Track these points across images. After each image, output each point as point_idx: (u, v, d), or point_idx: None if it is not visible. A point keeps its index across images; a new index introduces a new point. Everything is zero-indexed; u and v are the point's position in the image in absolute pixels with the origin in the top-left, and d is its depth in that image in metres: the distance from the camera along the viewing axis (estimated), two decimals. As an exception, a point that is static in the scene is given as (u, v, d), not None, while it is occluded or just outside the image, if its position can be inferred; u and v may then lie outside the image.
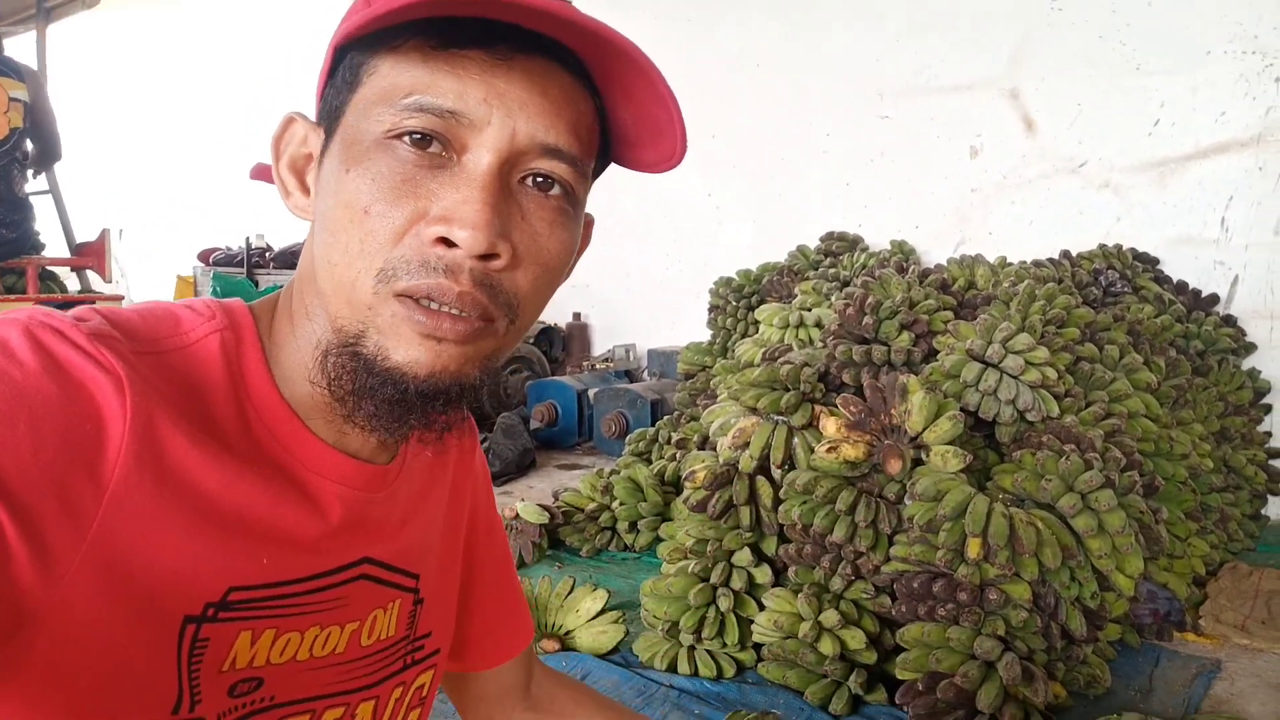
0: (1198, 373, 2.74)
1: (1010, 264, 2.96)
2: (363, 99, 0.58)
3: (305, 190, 0.64)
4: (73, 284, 4.66)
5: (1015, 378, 1.93)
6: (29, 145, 3.95)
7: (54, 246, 4.38)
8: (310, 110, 0.67)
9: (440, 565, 0.78)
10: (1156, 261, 3.33)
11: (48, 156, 4.18)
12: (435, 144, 0.57)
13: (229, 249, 6.04)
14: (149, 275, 7.87)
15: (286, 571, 0.60)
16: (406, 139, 0.56)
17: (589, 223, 0.72)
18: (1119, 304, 2.86)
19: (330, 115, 0.61)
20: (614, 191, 5.09)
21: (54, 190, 4.49)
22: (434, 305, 0.56)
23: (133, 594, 0.52)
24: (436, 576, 0.77)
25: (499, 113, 0.56)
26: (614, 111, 0.64)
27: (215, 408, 0.58)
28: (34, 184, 4.24)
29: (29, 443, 0.47)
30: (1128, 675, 1.83)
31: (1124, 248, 3.29)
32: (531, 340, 4.93)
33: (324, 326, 0.60)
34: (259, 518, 0.58)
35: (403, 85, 0.56)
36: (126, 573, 0.51)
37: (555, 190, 0.61)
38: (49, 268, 4.29)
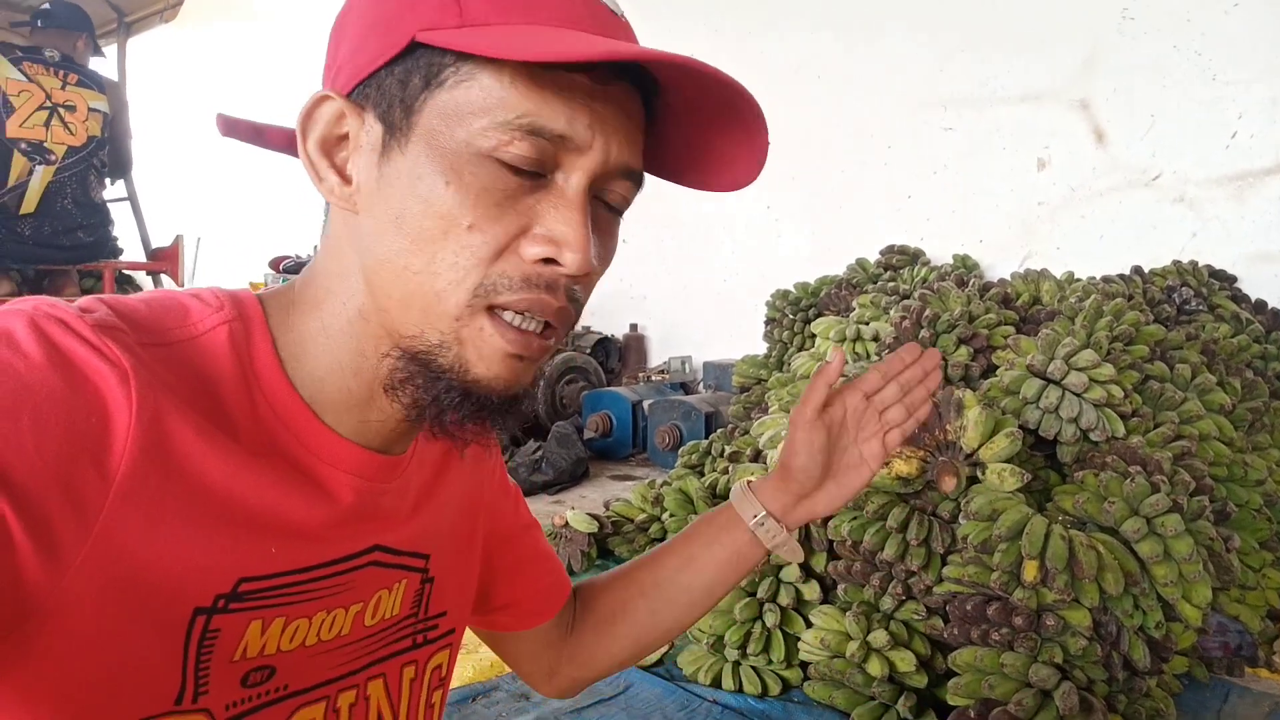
0: (1276, 395, 2.61)
1: (1078, 279, 2.87)
2: (453, 104, 0.57)
3: (344, 177, 0.62)
4: (148, 287, 4.82)
5: (1078, 395, 1.87)
6: (105, 154, 4.11)
7: (131, 251, 4.54)
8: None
9: (455, 546, 0.78)
10: (1234, 279, 3.20)
11: (119, 167, 4.33)
12: (537, 164, 0.57)
13: (298, 257, 6.21)
14: (224, 281, 8.12)
15: (295, 561, 0.60)
16: (515, 158, 0.56)
17: None
18: (1193, 322, 2.76)
19: (392, 104, 0.58)
20: (672, 202, 5.11)
21: (132, 197, 4.65)
22: (526, 323, 0.58)
23: (139, 587, 0.51)
24: (450, 557, 0.76)
25: (600, 138, 0.58)
26: (666, 132, 0.66)
27: (224, 399, 0.58)
28: (112, 190, 4.40)
29: (33, 436, 0.47)
30: (1194, 710, 1.75)
31: (1199, 264, 3.17)
32: (588, 351, 4.94)
33: (378, 327, 0.60)
34: (268, 509, 0.58)
35: (511, 104, 0.56)
36: (133, 566, 0.51)
37: (619, 203, 0.63)
38: (125, 271, 4.44)
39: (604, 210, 0.63)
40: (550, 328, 0.61)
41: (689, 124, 0.64)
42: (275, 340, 0.62)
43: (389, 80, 0.59)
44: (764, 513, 0.91)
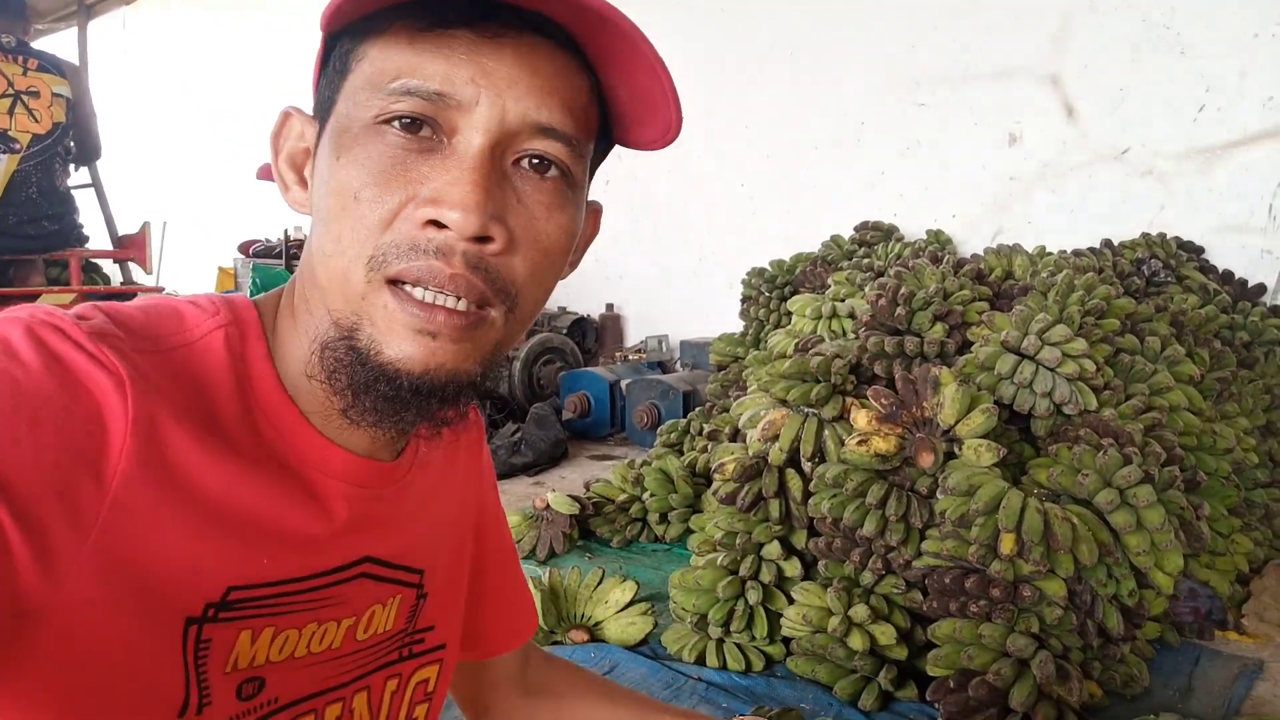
0: (1243, 365, 2.66)
1: (1050, 254, 2.90)
2: (352, 86, 0.58)
3: (303, 184, 0.64)
4: (115, 276, 4.74)
5: (1051, 370, 1.89)
6: (71, 141, 4.02)
7: (97, 239, 4.45)
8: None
9: (448, 561, 0.78)
10: (1201, 250, 3.25)
11: (88, 153, 4.24)
12: (425, 128, 0.56)
13: (268, 241, 6.13)
14: (191, 267, 8.01)
15: (287, 571, 0.60)
16: (395, 124, 0.55)
17: (596, 210, 0.70)
18: (1162, 294, 2.79)
19: (323, 106, 0.61)
20: (647, 182, 5.10)
21: (96, 184, 4.56)
22: (427, 294, 0.55)
23: (135, 595, 0.51)
24: (444, 572, 0.76)
25: (487, 92, 0.55)
26: (610, 89, 0.62)
27: (219, 405, 0.57)
28: (76, 178, 4.31)
29: (31, 444, 0.47)
30: (1166, 674, 1.79)
31: (1168, 236, 3.22)
32: (564, 331, 4.94)
33: (323, 319, 0.59)
34: (262, 517, 0.58)
35: (389, 69, 0.56)
36: (129, 574, 0.51)
37: (552, 172, 0.59)
38: (92, 260, 4.36)
39: (530, 175, 0.59)
40: (479, 308, 0.57)
41: (613, 72, 0.61)
42: (269, 344, 0.62)
43: (323, 84, 0.61)
44: None
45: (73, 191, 4.14)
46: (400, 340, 0.56)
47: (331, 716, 0.66)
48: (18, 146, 3.72)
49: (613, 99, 0.63)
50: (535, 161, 0.58)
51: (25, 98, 3.75)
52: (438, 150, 0.56)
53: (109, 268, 4.74)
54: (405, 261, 0.54)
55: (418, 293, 0.55)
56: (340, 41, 0.59)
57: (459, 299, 0.56)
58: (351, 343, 0.57)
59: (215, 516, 0.55)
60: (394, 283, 0.55)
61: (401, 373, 0.56)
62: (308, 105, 0.66)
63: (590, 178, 0.67)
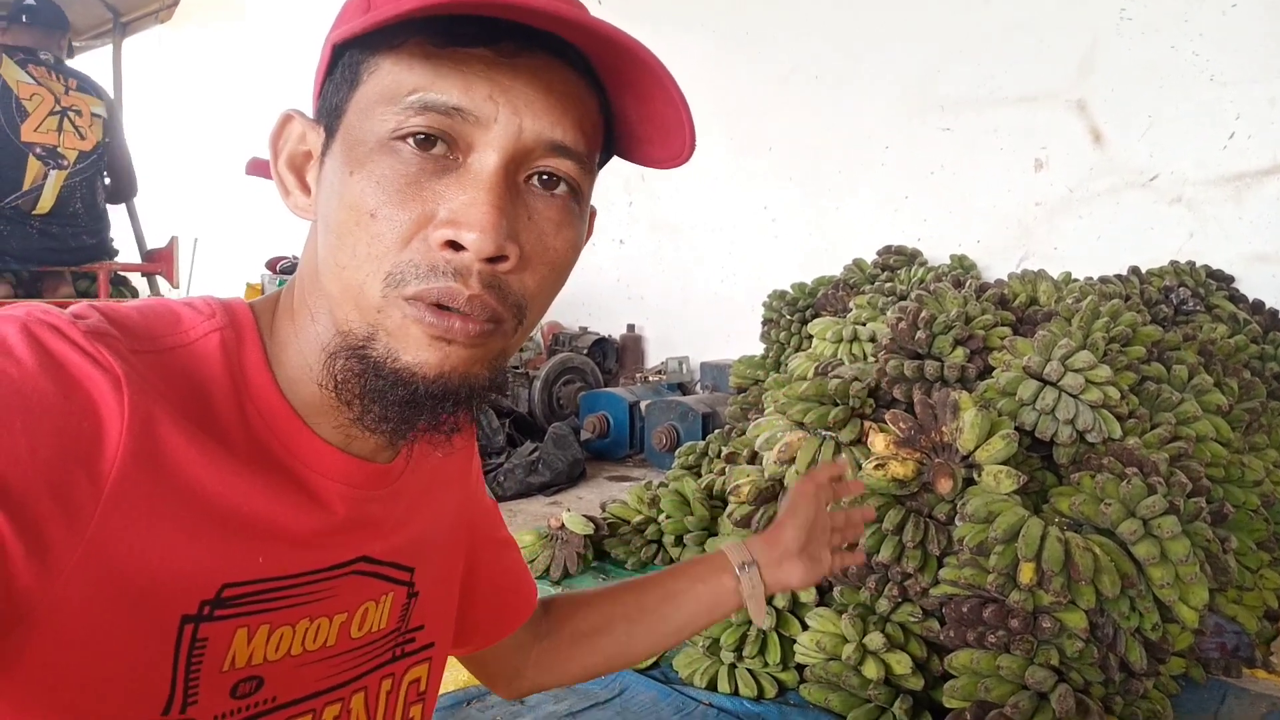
0: (1274, 396, 2.61)
1: (1075, 280, 2.86)
2: (364, 98, 0.58)
3: (305, 189, 0.64)
4: (143, 289, 4.80)
5: (1075, 396, 1.86)
6: (106, 174, 4.10)
7: (126, 252, 4.51)
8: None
9: (441, 560, 0.78)
10: (1231, 279, 3.20)
11: (125, 190, 4.31)
12: (440, 144, 0.56)
13: (295, 257, 6.20)
14: (220, 282, 8.12)
15: (282, 568, 0.60)
16: (410, 140, 0.55)
17: (591, 215, 0.71)
18: (1191, 323, 2.75)
19: (330, 114, 0.60)
20: (669, 203, 5.11)
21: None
22: (444, 307, 0.56)
23: (129, 593, 0.51)
24: (435, 571, 0.76)
25: (505, 110, 0.56)
26: (620, 107, 0.63)
27: (215, 406, 0.58)
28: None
29: (26, 441, 0.47)
30: (1192, 711, 1.74)
31: (1197, 264, 3.17)
32: (585, 351, 4.94)
33: (329, 329, 0.60)
34: (257, 516, 0.58)
35: (406, 84, 0.56)
36: (123, 572, 0.51)
37: (561, 188, 0.60)
38: (120, 273, 4.42)
39: (540, 193, 0.59)
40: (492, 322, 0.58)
41: (626, 95, 0.61)
42: (265, 347, 0.63)
43: (329, 90, 0.61)
44: (752, 560, 0.97)
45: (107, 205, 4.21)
46: (416, 346, 0.56)
47: (330, 717, 0.66)
48: (65, 163, 3.81)
49: (621, 117, 0.64)
50: (545, 178, 0.59)
51: (71, 115, 3.83)
52: (453, 169, 0.56)
53: (137, 281, 4.80)
54: (424, 283, 0.55)
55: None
56: (348, 50, 0.59)
57: (472, 315, 0.57)
58: (365, 352, 0.57)
59: (211, 514, 0.55)
60: (411, 299, 0.56)
61: (417, 377, 0.57)
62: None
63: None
